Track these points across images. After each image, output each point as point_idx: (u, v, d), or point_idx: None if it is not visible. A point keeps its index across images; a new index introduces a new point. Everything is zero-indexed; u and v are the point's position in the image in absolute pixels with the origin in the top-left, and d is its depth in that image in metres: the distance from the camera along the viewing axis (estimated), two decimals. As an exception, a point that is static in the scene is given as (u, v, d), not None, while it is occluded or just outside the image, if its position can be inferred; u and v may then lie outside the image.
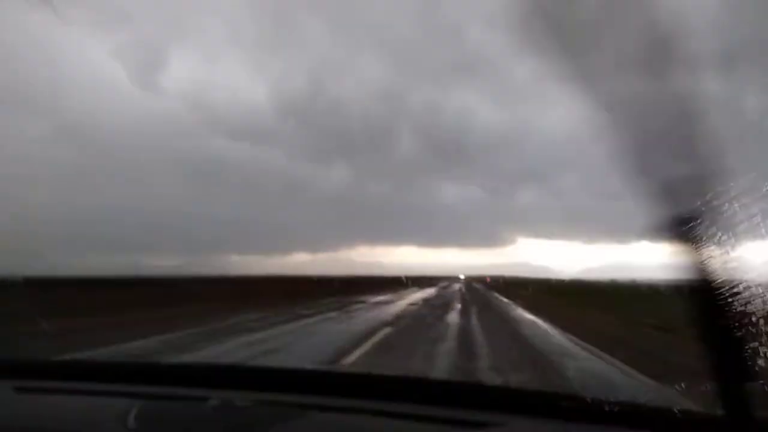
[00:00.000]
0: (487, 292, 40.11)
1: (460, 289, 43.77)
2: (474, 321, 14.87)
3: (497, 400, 1.63)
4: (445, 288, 46.21)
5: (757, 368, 1.12)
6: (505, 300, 28.09)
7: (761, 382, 1.14)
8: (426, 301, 25.05)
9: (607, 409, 1.46)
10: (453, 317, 15.82)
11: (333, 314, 15.98)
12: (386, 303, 22.34)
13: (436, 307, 20.22)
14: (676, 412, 1.41)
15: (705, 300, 1.16)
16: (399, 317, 15.44)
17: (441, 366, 7.70)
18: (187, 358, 7.77)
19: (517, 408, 1.55)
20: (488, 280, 67.24)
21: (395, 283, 47.50)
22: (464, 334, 11.54)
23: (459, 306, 21.26)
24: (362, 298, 25.52)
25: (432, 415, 1.52)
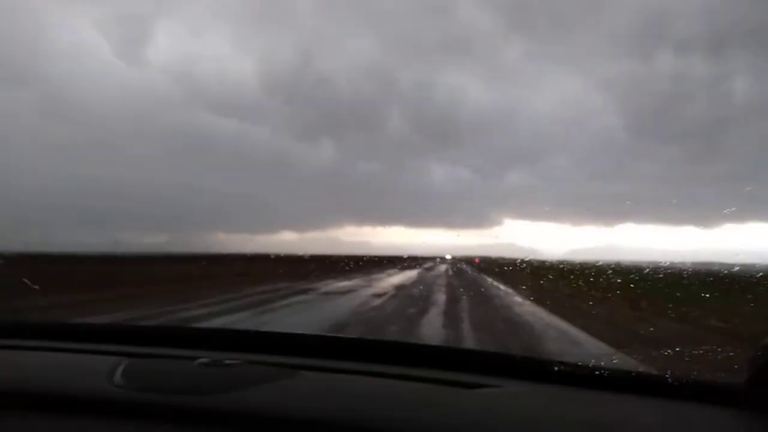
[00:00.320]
0: (479, 278, 31.82)
1: (446, 272, 37.56)
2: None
3: (492, 364, 1.69)
4: (428, 270, 39.59)
5: None
6: (517, 297, 17.97)
7: None
8: (398, 292, 19.07)
9: (596, 374, 1.53)
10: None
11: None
12: (346, 293, 18.36)
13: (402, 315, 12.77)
14: (667, 377, 1.49)
15: None
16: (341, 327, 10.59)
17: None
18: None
19: (511, 372, 1.61)
20: (477, 260, 57.04)
21: (373, 264, 43.33)
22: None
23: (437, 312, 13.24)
24: (318, 285, 20.74)
25: (428, 376, 1.54)
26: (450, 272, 38.05)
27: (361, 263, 42.29)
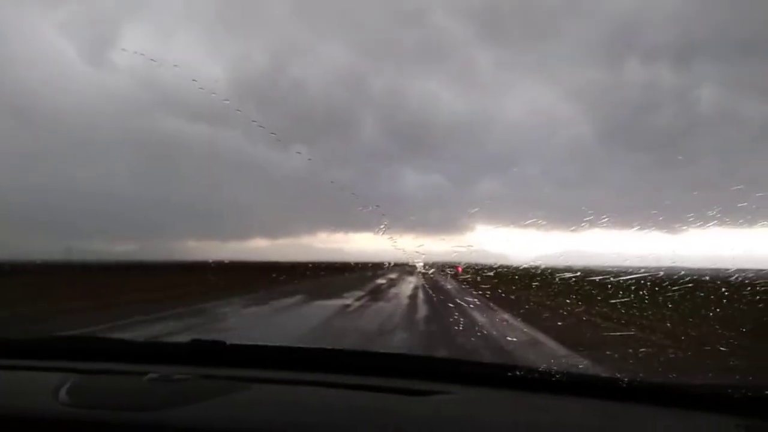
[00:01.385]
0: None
1: (413, 294, 20.83)
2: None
3: (443, 370, 1.70)
4: (389, 287, 25.18)
5: None
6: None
7: None
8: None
9: (548, 378, 1.54)
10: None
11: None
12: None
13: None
14: (621, 381, 1.50)
15: None
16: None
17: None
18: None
19: (462, 378, 1.61)
20: (460, 269, 29.82)
21: (334, 271, 36.90)
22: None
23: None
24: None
25: (380, 385, 1.54)
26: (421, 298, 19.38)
27: (322, 272, 34.30)
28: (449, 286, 26.14)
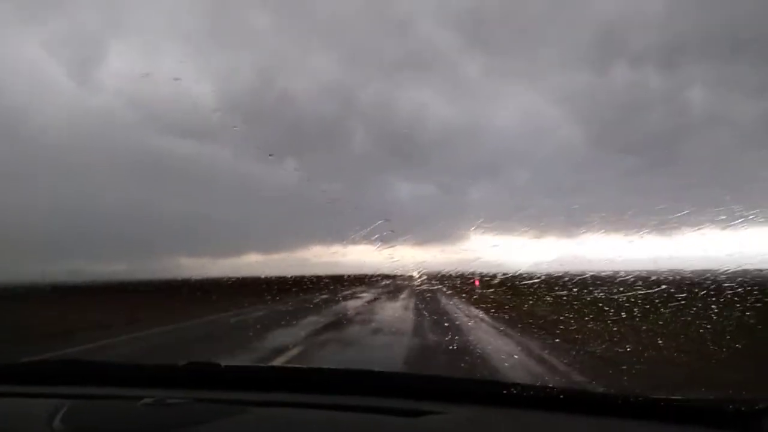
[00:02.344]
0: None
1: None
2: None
3: (436, 389, 1.69)
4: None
5: None
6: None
7: None
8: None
9: (545, 395, 1.55)
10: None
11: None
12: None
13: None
14: (617, 398, 1.53)
15: None
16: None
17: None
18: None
19: (456, 397, 1.60)
20: (477, 282, 26.35)
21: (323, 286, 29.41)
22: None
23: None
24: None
25: (374, 406, 1.55)
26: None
27: (307, 287, 26.77)
28: (443, 300, 21.10)
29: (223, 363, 1.81)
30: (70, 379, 1.83)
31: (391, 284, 34.64)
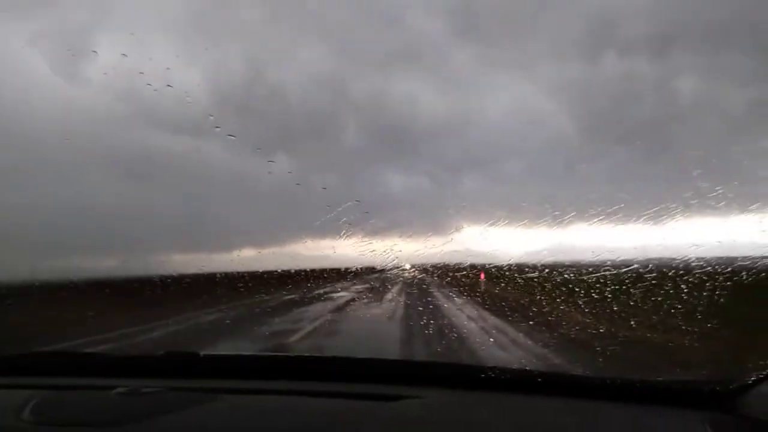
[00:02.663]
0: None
1: None
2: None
3: (413, 374, 1.70)
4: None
5: None
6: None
7: None
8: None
9: (526, 378, 1.57)
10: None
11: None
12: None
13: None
14: (594, 380, 1.55)
15: None
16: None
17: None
18: None
19: (433, 380, 1.61)
20: (483, 276, 20.83)
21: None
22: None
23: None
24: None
25: (353, 392, 1.55)
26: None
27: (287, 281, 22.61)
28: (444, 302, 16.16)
29: (201, 352, 1.80)
30: (45, 370, 1.81)
31: (378, 278, 28.12)
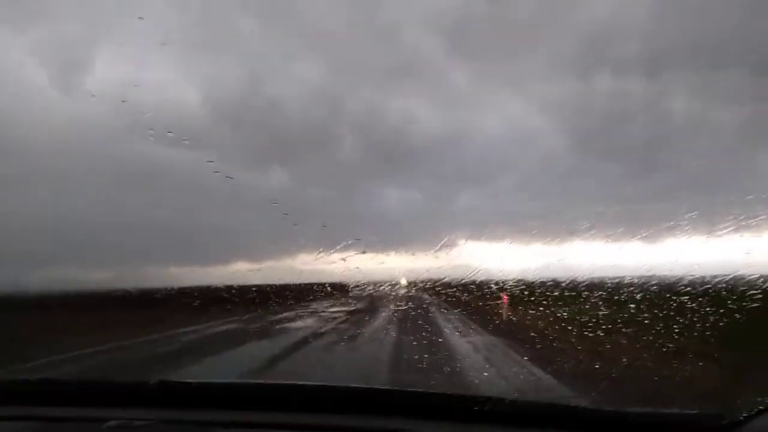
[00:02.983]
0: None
1: None
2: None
3: (408, 405, 1.65)
4: None
5: None
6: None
7: None
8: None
9: (517, 409, 1.51)
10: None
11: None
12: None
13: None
14: (588, 410, 1.52)
15: None
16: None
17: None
18: None
19: (429, 413, 1.57)
20: (505, 299, 15.26)
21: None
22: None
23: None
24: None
25: (345, 425, 1.52)
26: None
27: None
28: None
29: (194, 381, 1.78)
30: (37, 399, 1.79)
31: (367, 298, 23.17)
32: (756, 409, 1.39)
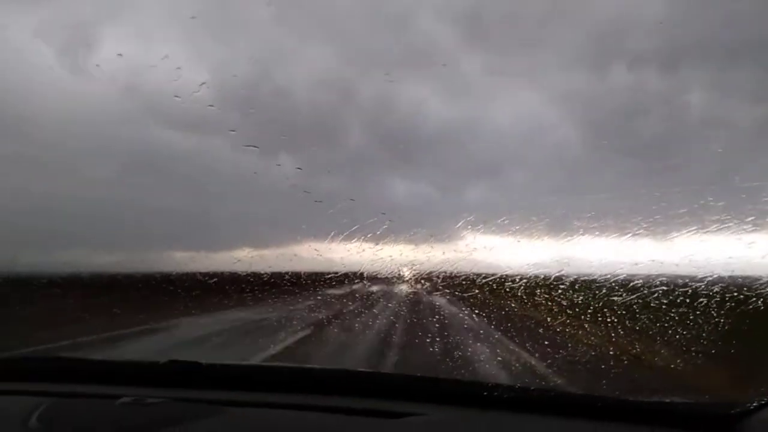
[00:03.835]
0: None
1: None
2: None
3: (417, 389, 1.70)
4: None
5: None
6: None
7: None
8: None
9: (530, 397, 1.56)
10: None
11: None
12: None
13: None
14: (598, 400, 1.52)
15: None
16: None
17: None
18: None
19: (437, 397, 1.61)
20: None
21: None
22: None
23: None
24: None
25: (356, 407, 1.55)
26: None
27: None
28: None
29: (204, 361, 1.81)
30: (51, 376, 1.84)
31: (373, 289, 23.34)
32: (766, 399, 1.40)
